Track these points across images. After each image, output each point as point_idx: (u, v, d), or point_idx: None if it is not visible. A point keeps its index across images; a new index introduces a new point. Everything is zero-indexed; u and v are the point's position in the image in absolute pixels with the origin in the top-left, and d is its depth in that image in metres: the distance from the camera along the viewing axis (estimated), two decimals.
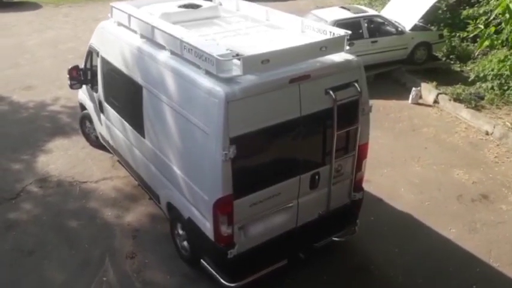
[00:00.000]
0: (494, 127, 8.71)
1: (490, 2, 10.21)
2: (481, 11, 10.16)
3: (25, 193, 6.95)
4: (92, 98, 7.35)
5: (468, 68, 11.14)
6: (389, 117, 9.49)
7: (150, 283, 5.48)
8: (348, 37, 4.86)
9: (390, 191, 7.06)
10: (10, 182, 7.19)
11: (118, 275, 5.56)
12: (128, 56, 5.78)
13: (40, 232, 6.21)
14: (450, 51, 11.81)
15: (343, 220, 5.60)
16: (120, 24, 6.09)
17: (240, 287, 4.92)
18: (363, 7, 12.24)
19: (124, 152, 6.65)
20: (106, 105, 6.75)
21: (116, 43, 6.09)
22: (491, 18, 5.84)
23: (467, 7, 12.23)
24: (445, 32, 11.89)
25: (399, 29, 10.93)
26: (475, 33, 6.22)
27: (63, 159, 7.77)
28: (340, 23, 10.15)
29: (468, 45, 11.81)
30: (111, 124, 6.77)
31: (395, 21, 11.04)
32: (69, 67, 7.27)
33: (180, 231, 5.60)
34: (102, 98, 6.84)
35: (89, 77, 7.18)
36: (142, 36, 5.53)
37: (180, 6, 6.10)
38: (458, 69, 11.50)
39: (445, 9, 12.77)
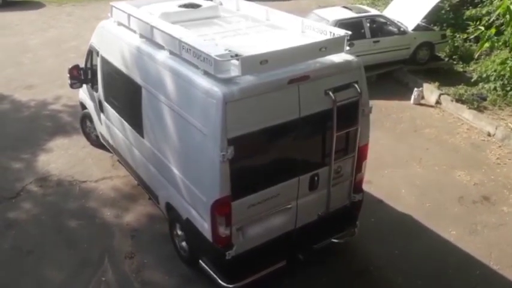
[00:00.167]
0: (496, 128, 8.66)
1: (494, 2, 10.15)
2: (484, 11, 10.10)
3: (25, 192, 6.96)
4: (92, 98, 7.34)
5: (471, 69, 11.09)
6: (390, 118, 9.44)
7: (149, 283, 5.48)
8: (348, 37, 4.82)
9: (391, 192, 7.02)
10: (10, 181, 7.19)
11: (117, 275, 5.56)
12: (127, 55, 5.76)
13: (39, 231, 6.21)
14: (453, 51, 11.75)
15: (342, 221, 5.56)
16: (119, 23, 6.08)
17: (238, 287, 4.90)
18: (365, 7, 12.20)
19: (123, 151, 6.64)
20: (106, 105, 6.74)
21: (115, 43, 6.07)
22: (492, 19, 5.76)
23: (470, 7, 12.16)
24: (448, 32, 11.83)
25: (401, 29, 10.88)
26: (475, 34, 6.15)
27: (63, 158, 7.78)
28: (342, 23, 10.12)
29: (471, 46, 11.74)
30: (110, 124, 6.77)
31: (398, 21, 10.99)
32: (70, 66, 7.27)
33: (179, 232, 5.59)
34: (102, 98, 6.83)
35: (89, 77, 7.18)
36: (141, 36, 5.52)
37: (180, 6, 6.08)
38: (461, 69, 11.44)
39: (448, 9, 12.70)
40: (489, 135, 8.70)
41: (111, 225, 6.35)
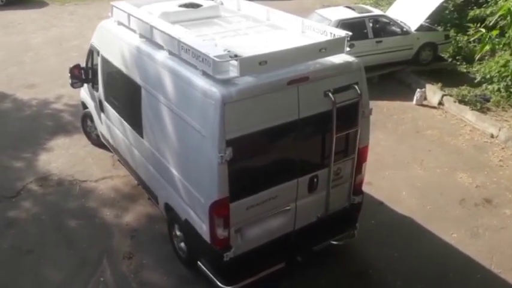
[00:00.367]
0: (499, 130, 8.58)
1: (498, 3, 10.05)
2: (488, 12, 10.00)
3: (25, 191, 6.96)
4: (92, 97, 7.34)
5: (474, 69, 10.99)
6: (392, 119, 9.39)
7: (147, 284, 5.46)
8: (349, 38, 4.77)
9: (391, 194, 6.97)
10: (11, 180, 7.20)
11: (115, 275, 5.55)
12: (127, 55, 5.75)
13: (39, 231, 6.21)
14: (456, 52, 11.67)
15: (342, 223, 5.53)
16: (120, 23, 6.06)
17: None
18: (368, 7, 12.13)
19: (123, 151, 6.63)
20: (106, 105, 6.74)
21: (115, 42, 6.06)
22: (493, 21, 5.69)
23: (475, 7, 12.05)
24: (452, 33, 11.75)
25: (404, 29, 10.82)
26: (476, 37, 6.08)
27: (64, 157, 7.78)
28: (345, 23, 10.09)
29: (475, 46, 11.61)
30: (111, 123, 6.76)
31: (401, 21, 10.93)
32: (71, 66, 7.28)
33: (178, 233, 5.57)
34: (102, 97, 6.82)
35: (90, 76, 7.18)
36: (141, 36, 5.50)
37: (180, 6, 6.06)
38: (465, 70, 11.36)
39: (452, 9, 12.61)
40: (492, 136, 8.63)
41: (110, 225, 6.34)
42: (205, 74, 4.36)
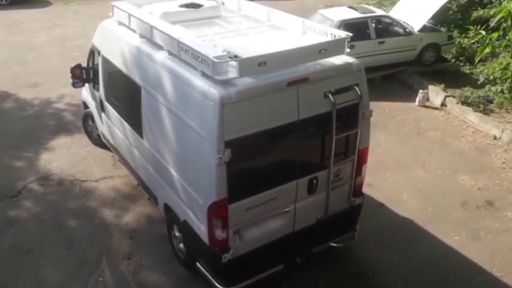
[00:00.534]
0: (502, 132, 8.52)
1: (503, 3, 9.98)
2: (491, 13, 9.92)
3: (26, 191, 6.97)
4: (93, 97, 7.34)
5: (478, 70, 10.91)
6: (394, 120, 9.34)
7: (146, 284, 5.45)
8: (349, 39, 4.74)
9: (392, 196, 6.93)
10: (12, 179, 7.21)
11: (114, 276, 5.54)
12: (127, 55, 5.74)
13: (39, 230, 6.21)
14: (460, 53, 11.60)
15: (342, 225, 5.50)
16: (120, 23, 6.05)
17: None
18: (371, 7, 12.08)
19: (124, 151, 6.63)
20: (107, 105, 6.74)
21: (116, 42, 6.05)
22: (493, 24, 5.63)
23: (479, 8, 11.98)
24: (455, 34, 11.68)
25: (407, 30, 10.77)
26: (476, 39, 6.02)
27: (65, 157, 7.78)
28: (347, 23, 10.08)
29: (478, 47, 11.55)
30: (111, 123, 6.76)
31: (404, 22, 10.88)
32: (72, 66, 7.28)
33: (177, 233, 5.56)
34: (103, 97, 6.82)
35: (91, 76, 7.18)
36: (141, 36, 5.49)
37: (181, 6, 6.04)
38: (468, 71, 11.29)
39: (456, 9, 12.55)
40: (495, 138, 8.57)
41: (110, 225, 6.33)
42: (204, 74, 4.34)
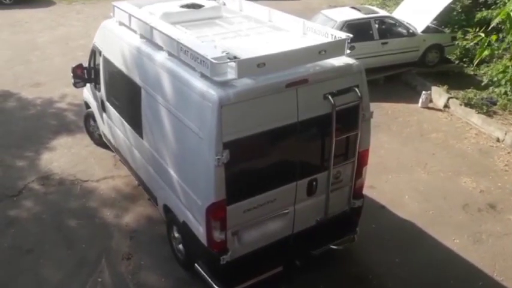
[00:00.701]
0: (505, 134, 8.46)
1: (507, 4, 9.89)
2: (494, 14, 9.85)
3: (27, 190, 6.98)
4: (95, 97, 7.35)
5: (482, 72, 10.84)
6: (397, 121, 9.30)
7: (145, 285, 5.44)
8: (349, 40, 4.71)
9: (394, 198, 6.89)
10: (13, 178, 7.23)
11: (113, 276, 5.54)
12: (127, 56, 5.74)
13: (39, 230, 6.22)
14: (463, 54, 11.51)
15: (342, 228, 5.46)
16: (121, 23, 6.05)
17: None
18: (374, 8, 12.03)
19: (124, 152, 6.63)
20: (107, 105, 6.74)
21: (116, 43, 6.05)
22: (491, 26, 5.57)
23: (483, 8, 11.90)
24: (459, 35, 11.60)
25: (410, 31, 10.72)
26: (475, 41, 5.96)
27: (66, 157, 7.79)
28: (350, 24, 10.05)
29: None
30: (112, 124, 6.76)
31: (407, 23, 10.83)
32: (73, 66, 7.30)
33: (176, 234, 5.55)
34: (104, 97, 6.83)
35: (92, 76, 7.18)
36: (141, 37, 5.48)
37: (182, 6, 6.03)
38: (472, 72, 11.21)
39: (460, 10, 12.46)
40: (498, 140, 8.50)
41: (110, 225, 6.33)
42: (203, 75, 4.32)
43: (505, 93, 9.29)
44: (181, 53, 4.60)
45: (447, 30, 11.73)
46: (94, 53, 6.98)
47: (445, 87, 10.04)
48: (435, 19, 11.05)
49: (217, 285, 4.85)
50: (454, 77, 10.92)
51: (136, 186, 6.85)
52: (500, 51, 5.92)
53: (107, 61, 6.43)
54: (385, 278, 5.55)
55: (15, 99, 9.84)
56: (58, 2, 17.44)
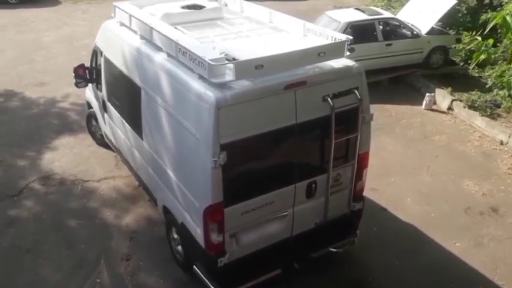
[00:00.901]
0: (509, 137, 8.38)
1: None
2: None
3: (28, 190, 7.00)
4: (97, 97, 7.36)
5: (486, 74, 10.74)
6: (400, 123, 9.24)
7: (143, 286, 5.44)
8: (349, 42, 4.67)
9: (396, 201, 6.84)
10: (14, 178, 7.25)
11: (112, 277, 5.53)
12: (128, 56, 5.73)
13: (39, 230, 6.23)
14: (468, 55, 11.38)
15: (341, 230, 5.42)
16: (122, 24, 6.05)
17: None
18: (378, 9, 11.95)
19: (125, 152, 6.64)
20: (109, 105, 6.75)
21: (117, 43, 6.05)
22: (487, 30, 5.50)
23: (489, 10, 11.79)
24: (464, 36, 11.49)
25: (414, 32, 10.65)
26: (471, 45, 5.87)
27: (67, 157, 7.81)
28: (354, 25, 9.99)
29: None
30: (113, 124, 6.77)
31: (412, 25, 10.76)
32: (75, 65, 7.30)
33: (175, 235, 5.54)
34: (105, 98, 6.83)
35: (94, 76, 7.19)
36: (141, 37, 5.47)
37: (183, 7, 6.02)
38: (476, 74, 11.11)
39: (465, 12, 12.36)
40: (501, 143, 8.43)
41: (110, 226, 6.33)
42: (201, 77, 4.30)
43: (509, 95, 9.19)
44: (179, 54, 4.59)
45: (452, 32, 11.64)
46: (95, 53, 7.00)
47: (449, 89, 9.97)
48: (440, 21, 10.96)
49: (214, 287, 4.83)
50: (458, 79, 10.84)
51: (137, 187, 6.85)
52: (497, 55, 5.79)
53: (107, 61, 6.43)
54: (385, 281, 5.50)
55: (18, 99, 9.89)
56: (64, 1, 17.53)
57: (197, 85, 4.30)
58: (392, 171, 7.58)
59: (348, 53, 4.68)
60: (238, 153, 4.29)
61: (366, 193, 5.57)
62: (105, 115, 7.05)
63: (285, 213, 4.89)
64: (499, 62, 10.64)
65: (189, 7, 6.04)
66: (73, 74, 7.30)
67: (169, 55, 4.86)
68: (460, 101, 9.57)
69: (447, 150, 8.33)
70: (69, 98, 9.80)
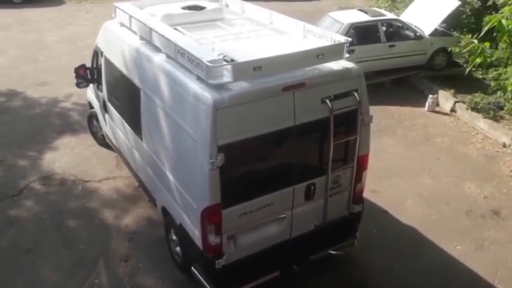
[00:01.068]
0: None
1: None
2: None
3: (28, 190, 7.01)
4: (98, 97, 7.37)
5: (490, 76, 10.68)
6: (403, 125, 9.19)
7: (141, 287, 5.42)
8: (348, 44, 4.65)
9: (397, 203, 6.80)
10: (14, 178, 7.27)
11: (110, 278, 5.53)
12: (128, 57, 5.73)
13: (39, 230, 6.24)
14: (469, 57, 11.34)
15: (341, 233, 5.39)
16: (122, 24, 6.05)
17: None
18: (381, 10, 11.90)
19: (125, 153, 6.64)
20: (109, 105, 6.75)
21: (117, 44, 6.05)
22: (482, 34, 5.45)
23: (493, 12, 11.71)
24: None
25: (418, 34, 10.60)
26: (468, 48, 5.81)
27: (68, 157, 7.82)
28: (357, 26, 9.95)
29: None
30: (113, 124, 6.77)
31: (415, 26, 10.71)
32: (76, 66, 7.31)
33: (173, 237, 5.53)
34: (105, 98, 6.84)
35: (95, 76, 7.20)
36: (141, 38, 5.46)
37: (183, 8, 6.00)
38: (480, 76, 11.04)
39: (469, 13, 12.29)
40: (504, 146, 8.36)
41: (110, 226, 6.33)
42: (199, 78, 4.29)
43: None
44: (178, 55, 4.57)
45: (456, 34, 11.58)
46: (96, 53, 7.00)
47: (452, 91, 9.90)
48: (443, 22, 10.90)
49: None
50: (461, 80, 10.66)
51: (137, 188, 6.84)
52: (493, 58, 5.72)
53: (108, 62, 6.44)
54: (385, 285, 5.47)
55: (20, 98, 9.92)
56: (68, 1, 17.59)
57: (195, 86, 4.28)
58: (393, 173, 7.54)
59: (347, 55, 4.65)
60: (236, 155, 4.27)
61: (367, 195, 5.55)
62: (106, 115, 7.05)
63: (284, 215, 4.87)
64: (502, 64, 10.59)
65: (189, 8, 6.02)
66: (74, 74, 7.30)
67: (168, 56, 4.85)
68: (463, 102, 9.51)
69: (449, 152, 8.28)
70: (71, 98, 9.82)
